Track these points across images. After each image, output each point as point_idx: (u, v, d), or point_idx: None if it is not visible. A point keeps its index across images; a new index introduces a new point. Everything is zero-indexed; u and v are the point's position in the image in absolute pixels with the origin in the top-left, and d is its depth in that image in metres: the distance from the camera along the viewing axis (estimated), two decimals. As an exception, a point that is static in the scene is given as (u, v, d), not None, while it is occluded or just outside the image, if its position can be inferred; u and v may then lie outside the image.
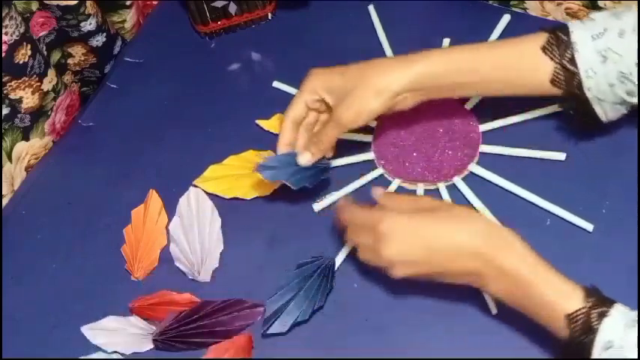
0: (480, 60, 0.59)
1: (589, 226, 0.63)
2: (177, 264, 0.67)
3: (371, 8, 0.80)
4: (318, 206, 0.68)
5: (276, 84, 0.76)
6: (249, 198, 0.69)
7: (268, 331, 0.61)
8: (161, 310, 0.64)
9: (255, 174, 0.67)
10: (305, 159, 0.63)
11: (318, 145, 0.63)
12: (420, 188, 0.68)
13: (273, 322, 0.61)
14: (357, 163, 0.70)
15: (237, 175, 0.71)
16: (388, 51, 0.77)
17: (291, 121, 0.63)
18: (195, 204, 0.69)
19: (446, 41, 0.76)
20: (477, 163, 0.68)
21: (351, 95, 0.59)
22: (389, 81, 0.59)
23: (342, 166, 0.70)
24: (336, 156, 0.68)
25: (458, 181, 0.67)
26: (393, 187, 0.68)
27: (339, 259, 0.65)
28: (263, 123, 0.74)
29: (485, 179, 0.67)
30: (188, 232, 0.68)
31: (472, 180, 0.67)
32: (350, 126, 0.61)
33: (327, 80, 0.61)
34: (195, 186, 0.70)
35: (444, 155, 0.68)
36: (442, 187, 0.67)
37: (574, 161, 0.66)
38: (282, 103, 0.74)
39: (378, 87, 0.59)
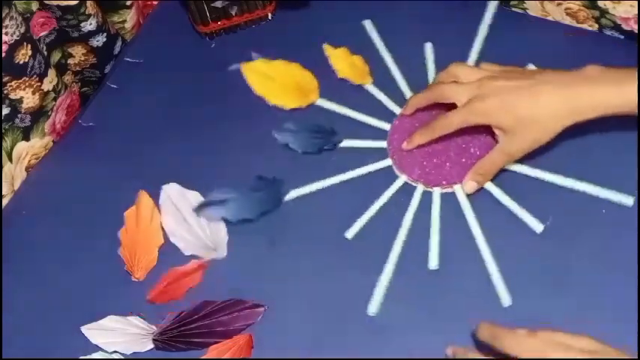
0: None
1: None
2: (188, 253, 0.67)
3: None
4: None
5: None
6: (287, 108, 0.73)
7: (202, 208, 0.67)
8: (177, 287, 0.65)
9: (298, 87, 0.74)
10: (470, 188, 0.66)
11: (485, 176, 0.65)
12: (420, 189, 0.68)
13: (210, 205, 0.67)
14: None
15: (283, 82, 0.75)
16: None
17: (430, 102, 0.67)
18: (176, 198, 0.69)
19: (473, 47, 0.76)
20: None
21: (524, 133, 0.61)
22: (562, 124, 0.60)
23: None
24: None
25: (458, 189, 0.67)
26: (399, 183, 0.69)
27: (294, 193, 0.69)
28: (329, 50, 0.77)
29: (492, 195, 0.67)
30: (185, 220, 0.68)
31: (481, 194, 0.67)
32: (520, 157, 0.63)
33: (497, 116, 0.61)
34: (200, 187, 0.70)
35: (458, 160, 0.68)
36: (437, 191, 0.68)
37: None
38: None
39: (551, 128, 0.60)
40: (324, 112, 0.74)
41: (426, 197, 0.68)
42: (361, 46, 0.77)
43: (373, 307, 0.63)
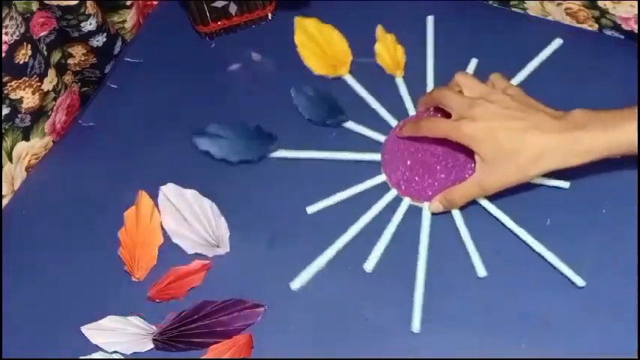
0: (631, 141, 0.57)
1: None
2: (191, 252, 0.67)
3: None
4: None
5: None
6: (316, 73, 0.75)
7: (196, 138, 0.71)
8: (179, 285, 0.65)
9: (334, 56, 0.76)
10: (435, 208, 0.66)
11: (452, 202, 0.64)
12: (406, 202, 0.68)
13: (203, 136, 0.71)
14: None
15: (322, 47, 0.77)
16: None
17: (433, 103, 0.67)
18: (175, 197, 0.69)
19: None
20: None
21: (502, 168, 0.60)
22: (541, 169, 0.59)
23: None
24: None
25: (425, 206, 0.67)
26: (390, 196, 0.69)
27: (281, 153, 0.71)
28: (381, 32, 0.77)
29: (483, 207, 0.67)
30: (185, 220, 0.68)
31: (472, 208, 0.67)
32: (492, 193, 0.62)
33: (480, 142, 0.60)
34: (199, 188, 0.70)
35: (444, 176, 0.67)
36: (407, 201, 0.67)
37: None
38: (284, 104, 0.75)
39: (531, 174, 0.60)
40: (346, 88, 0.75)
41: (397, 202, 0.68)
42: (412, 39, 0.78)
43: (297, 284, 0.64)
